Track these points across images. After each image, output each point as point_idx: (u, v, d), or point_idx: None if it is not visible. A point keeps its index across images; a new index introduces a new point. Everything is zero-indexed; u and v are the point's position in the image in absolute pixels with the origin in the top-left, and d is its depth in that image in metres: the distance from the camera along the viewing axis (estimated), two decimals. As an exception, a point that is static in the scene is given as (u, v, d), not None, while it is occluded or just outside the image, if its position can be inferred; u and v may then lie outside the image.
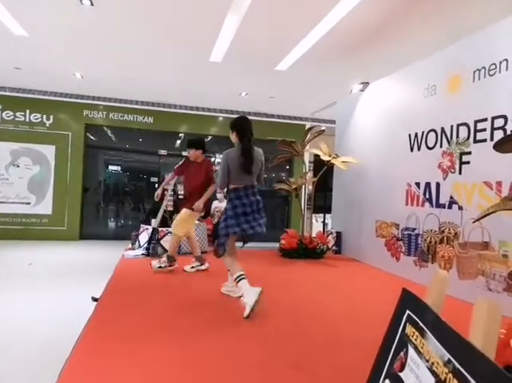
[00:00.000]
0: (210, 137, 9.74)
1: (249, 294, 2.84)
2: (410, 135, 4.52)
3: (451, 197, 3.83)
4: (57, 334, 3.20)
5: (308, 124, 9.21)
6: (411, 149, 4.49)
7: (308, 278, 4.31)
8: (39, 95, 8.43)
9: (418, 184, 4.33)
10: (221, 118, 9.53)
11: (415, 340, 0.83)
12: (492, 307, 0.65)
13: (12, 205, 8.27)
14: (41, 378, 2.41)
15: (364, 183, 5.43)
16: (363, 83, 5.66)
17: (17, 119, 8.39)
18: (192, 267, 4.31)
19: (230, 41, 5.24)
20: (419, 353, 0.80)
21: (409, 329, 0.88)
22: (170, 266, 4.21)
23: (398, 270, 4.55)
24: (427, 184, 4.18)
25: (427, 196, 4.17)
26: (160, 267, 4.17)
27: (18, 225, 8.29)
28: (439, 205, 4.00)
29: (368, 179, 5.34)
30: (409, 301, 0.93)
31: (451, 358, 0.68)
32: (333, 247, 5.93)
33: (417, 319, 0.85)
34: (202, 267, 4.35)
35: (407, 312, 0.91)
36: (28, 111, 8.45)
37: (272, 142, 6.40)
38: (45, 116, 8.54)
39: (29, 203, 8.41)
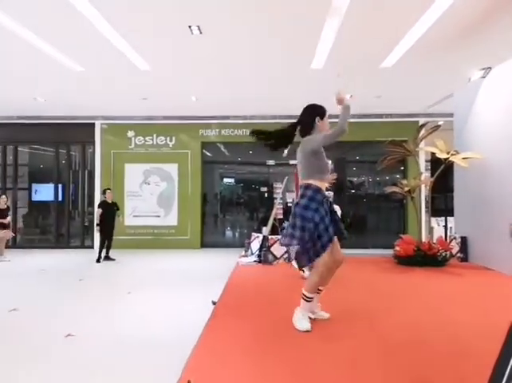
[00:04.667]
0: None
1: (303, 318, 2.67)
2: (548, 121, 3.85)
3: None
4: (181, 332, 3.54)
5: (421, 121, 8.51)
6: (551, 138, 3.82)
7: (428, 288, 3.96)
8: (163, 120, 9.56)
9: None
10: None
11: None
12: None
13: (145, 218, 9.49)
14: (168, 371, 2.69)
15: (492, 181, 4.80)
16: (484, 69, 5.03)
17: (146, 143, 9.63)
18: None
19: (330, 47, 5.21)
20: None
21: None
22: None
23: (542, 280, 3.88)
24: None
25: None
26: None
27: (150, 235, 9.46)
28: None
29: (496, 177, 4.70)
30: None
31: None
32: (458, 254, 5.34)
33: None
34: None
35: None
36: (155, 135, 9.64)
37: (381, 143, 6.11)
38: (168, 138, 9.63)
39: (158, 216, 9.54)
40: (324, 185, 2.75)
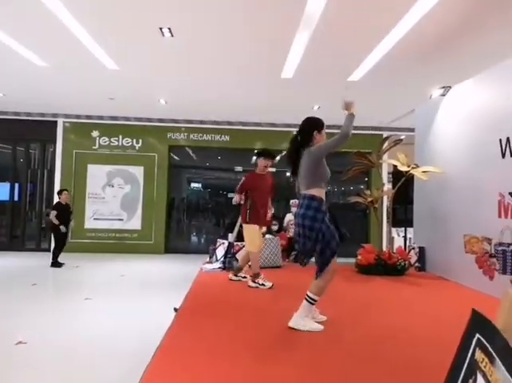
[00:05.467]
0: (284, 152, 9.84)
1: (309, 322, 2.81)
2: (501, 140, 4.09)
3: (554, 208, 3.36)
4: (141, 340, 3.44)
5: (385, 134, 8.82)
6: (503, 155, 4.05)
7: (387, 297, 4.07)
8: (130, 121, 9.34)
9: (512, 194, 3.88)
10: (294, 132, 9.56)
11: (485, 367, 0.74)
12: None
13: (107, 221, 9.19)
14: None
15: (449, 194, 5.02)
16: (444, 87, 5.29)
17: (111, 144, 9.37)
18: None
19: (300, 57, 5.31)
20: (487, 381, 0.71)
21: (479, 355, 0.79)
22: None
23: (492, 289, 4.07)
24: (524, 194, 3.73)
25: (524, 207, 3.72)
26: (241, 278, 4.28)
27: (113, 239, 9.16)
28: (539, 217, 3.54)
29: (453, 190, 4.93)
30: (479, 323, 0.83)
31: (519, 390, 0.59)
32: (416, 264, 5.54)
33: (487, 344, 0.76)
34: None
35: (477, 336, 0.82)
36: (121, 136, 9.39)
37: (347, 154, 6.26)
38: (134, 140, 9.42)
39: (121, 220, 9.27)
40: (324, 193, 2.89)
